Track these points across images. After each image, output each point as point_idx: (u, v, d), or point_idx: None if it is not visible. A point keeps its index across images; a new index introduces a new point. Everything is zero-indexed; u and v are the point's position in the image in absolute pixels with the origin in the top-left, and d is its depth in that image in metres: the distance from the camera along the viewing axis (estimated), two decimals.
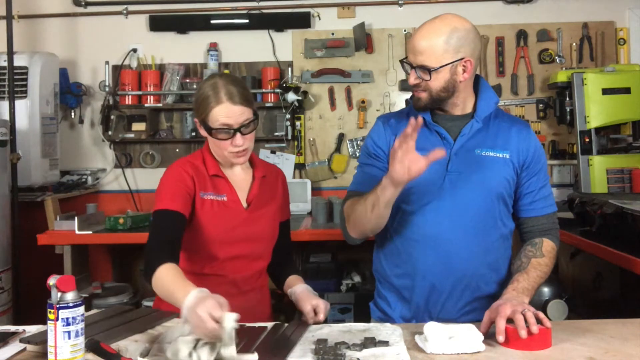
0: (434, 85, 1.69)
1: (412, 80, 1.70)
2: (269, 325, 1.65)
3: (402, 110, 1.92)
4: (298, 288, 1.85)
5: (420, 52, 1.66)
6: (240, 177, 1.90)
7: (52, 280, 1.32)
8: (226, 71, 3.88)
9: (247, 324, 1.60)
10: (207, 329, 1.31)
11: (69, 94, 3.88)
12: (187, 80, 3.88)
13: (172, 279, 1.53)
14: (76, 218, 3.25)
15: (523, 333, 1.42)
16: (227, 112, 1.74)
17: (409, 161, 1.53)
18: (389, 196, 1.61)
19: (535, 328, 1.43)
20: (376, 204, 1.64)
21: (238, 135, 1.76)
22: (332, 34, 3.97)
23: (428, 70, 1.67)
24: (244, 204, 1.87)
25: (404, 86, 3.92)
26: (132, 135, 3.85)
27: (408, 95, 3.83)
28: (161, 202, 1.74)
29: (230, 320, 1.31)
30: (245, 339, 1.48)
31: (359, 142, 3.96)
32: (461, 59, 1.67)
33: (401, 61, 1.74)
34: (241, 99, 1.75)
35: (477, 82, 1.81)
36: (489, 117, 1.79)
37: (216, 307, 1.33)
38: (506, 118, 1.84)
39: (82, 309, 1.34)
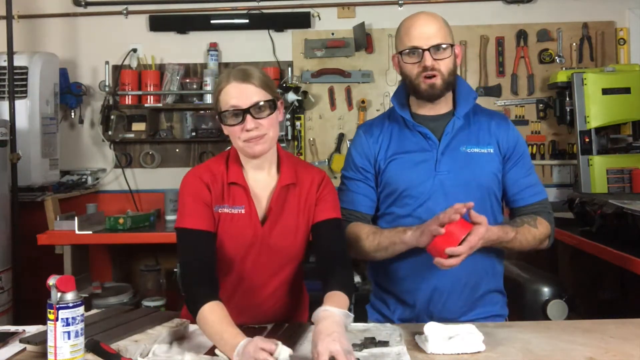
0: (445, 67, 1.72)
1: (430, 62, 1.70)
2: (269, 325, 1.65)
3: (382, 115, 1.94)
4: (321, 322, 1.40)
5: (432, 34, 1.71)
6: (262, 185, 1.68)
7: (52, 280, 1.32)
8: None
9: (247, 325, 1.60)
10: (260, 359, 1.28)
11: (69, 94, 3.87)
12: (187, 80, 3.88)
13: (219, 322, 1.44)
14: (76, 218, 3.24)
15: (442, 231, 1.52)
16: (236, 91, 1.56)
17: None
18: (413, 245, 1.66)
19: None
20: (395, 247, 1.70)
21: (248, 117, 1.55)
22: (332, 34, 3.96)
23: (444, 47, 1.70)
24: (261, 218, 1.66)
25: None
26: (132, 135, 3.84)
27: None
28: (185, 219, 1.61)
29: (286, 353, 1.30)
30: None
31: None
32: (453, 44, 1.75)
33: (401, 52, 1.75)
34: (254, 79, 1.57)
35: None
36: (469, 114, 1.81)
37: (266, 340, 1.31)
38: (485, 113, 1.87)
39: (82, 309, 1.34)
